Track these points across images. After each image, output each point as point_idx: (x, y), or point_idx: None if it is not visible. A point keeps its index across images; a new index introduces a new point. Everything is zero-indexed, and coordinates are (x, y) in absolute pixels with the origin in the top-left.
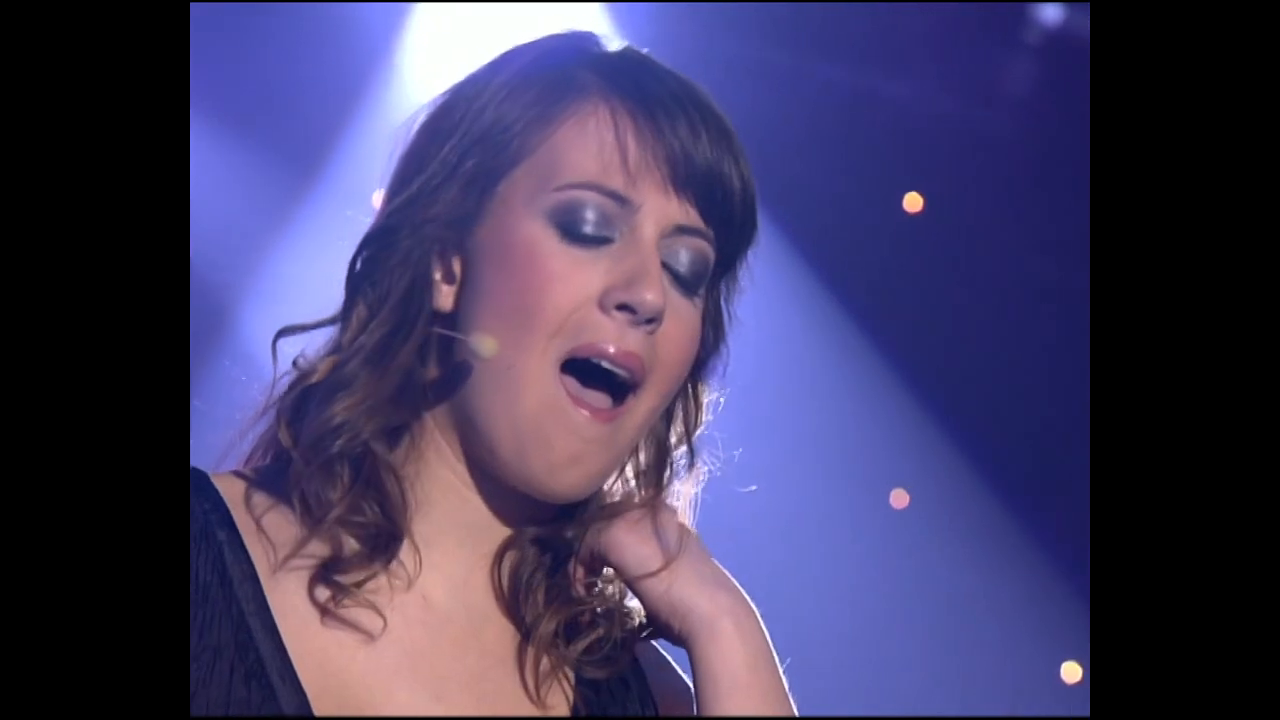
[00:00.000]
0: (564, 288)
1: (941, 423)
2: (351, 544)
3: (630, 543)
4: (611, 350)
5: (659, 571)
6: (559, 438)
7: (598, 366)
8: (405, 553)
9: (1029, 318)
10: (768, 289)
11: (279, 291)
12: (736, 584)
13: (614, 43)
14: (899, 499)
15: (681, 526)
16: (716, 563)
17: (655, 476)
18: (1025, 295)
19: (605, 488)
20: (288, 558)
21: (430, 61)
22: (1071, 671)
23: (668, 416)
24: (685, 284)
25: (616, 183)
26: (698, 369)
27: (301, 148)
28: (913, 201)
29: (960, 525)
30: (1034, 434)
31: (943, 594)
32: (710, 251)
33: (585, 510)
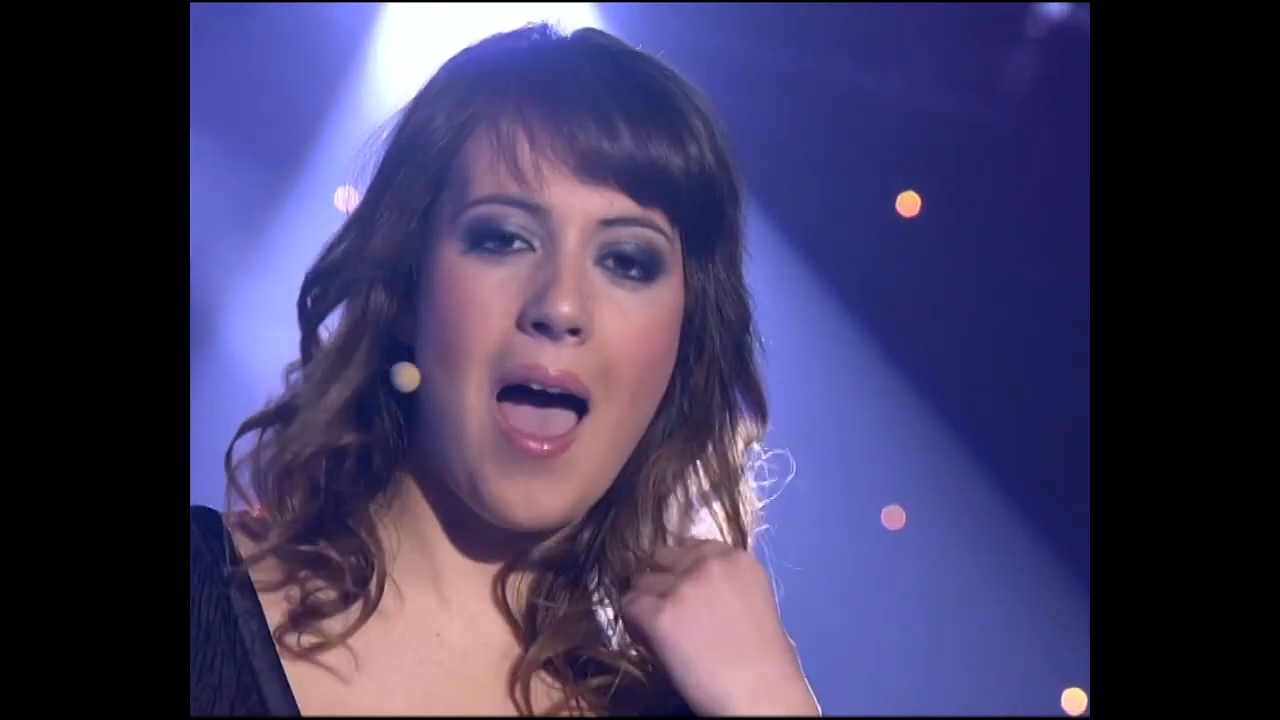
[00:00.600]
0: (484, 313)
1: (940, 434)
2: (344, 584)
3: (667, 636)
4: (540, 372)
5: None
6: (504, 476)
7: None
8: (414, 589)
9: (1032, 324)
10: (755, 294)
11: (257, 297)
12: (792, 674)
13: (554, 33)
14: (893, 518)
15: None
16: (778, 638)
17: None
18: (1028, 300)
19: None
20: (285, 593)
21: (405, 61)
22: (1074, 700)
23: (696, 426)
24: (637, 275)
25: (516, 189)
26: (702, 352)
27: (276, 150)
28: (909, 202)
29: (959, 543)
30: (1037, 446)
31: (940, 616)
32: (660, 235)
33: (603, 525)
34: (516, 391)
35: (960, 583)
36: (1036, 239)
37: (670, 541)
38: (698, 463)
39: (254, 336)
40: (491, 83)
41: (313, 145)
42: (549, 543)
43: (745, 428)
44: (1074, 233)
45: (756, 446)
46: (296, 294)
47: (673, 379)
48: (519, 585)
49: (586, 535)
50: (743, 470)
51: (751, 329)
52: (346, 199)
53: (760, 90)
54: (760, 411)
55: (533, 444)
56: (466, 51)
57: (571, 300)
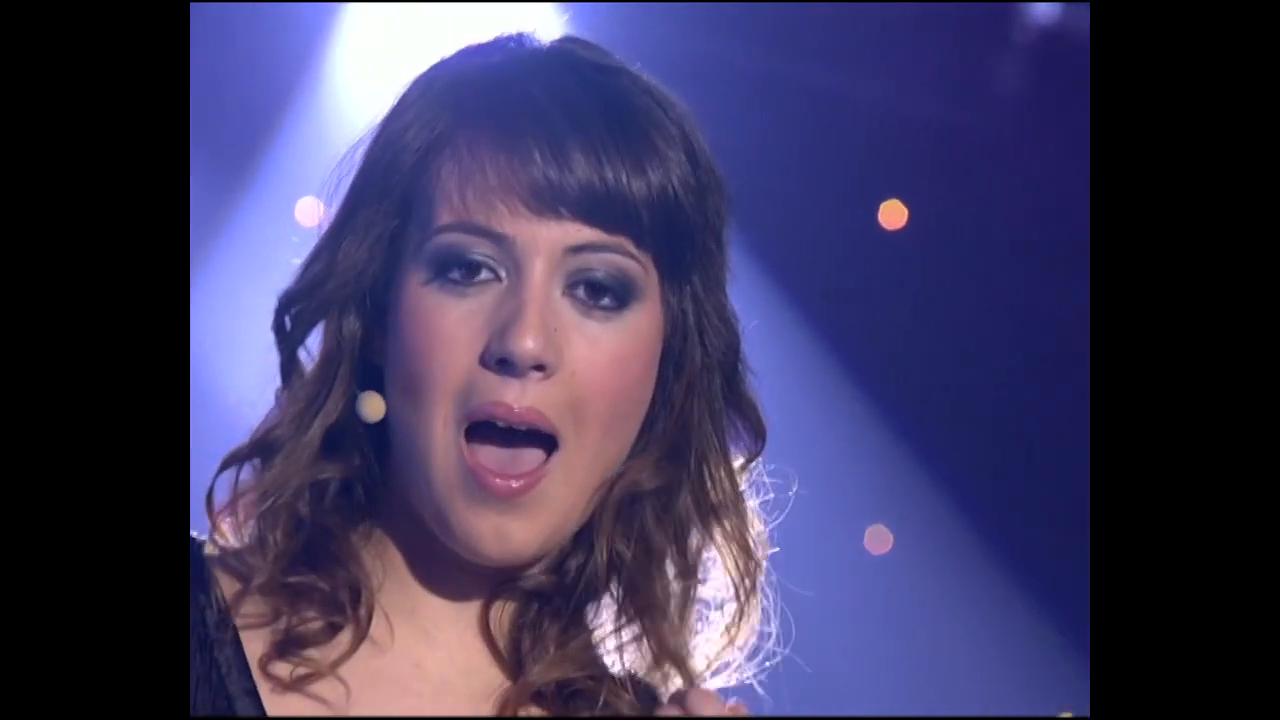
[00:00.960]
0: (449, 348)
1: (924, 456)
2: (331, 614)
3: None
4: (504, 409)
5: None
6: (473, 512)
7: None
8: (394, 620)
9: (1021, 339)
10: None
11: (206, 300)
12: None
13: (530, 44)
14: (878, 541)
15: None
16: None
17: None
18: (1017, 315)
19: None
20: (271, 627)
21: (365, 62)
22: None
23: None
24: (609, 304)
25: (479, 218)
26: (681, 373)
27: (231, 152)
28: (893, 213)
29: (946, 567)
30: (1028, 468)
31: (928, 641)
32: (632, 260)
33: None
34: (485, 427)
35: (944, 605)
36: (1026, 252)
37: (671, 566)
38: (693, 486)
39: (203, 339)
40: (457, 102)
41: (267, 149)
42: (531, 573)
43: (743, 448)
44: (1065, 246)
45: (753, 467)
46: (244, 295)
47: (654, 401)
48: (501, 616)
49: (574, 564)
50: (740, 493)
51: (738, 350)
52: (312, 212)
53: (731, 93)
54: (757, 432)
55: (499, 481)
56: (438, 65)
57: (536, 335)
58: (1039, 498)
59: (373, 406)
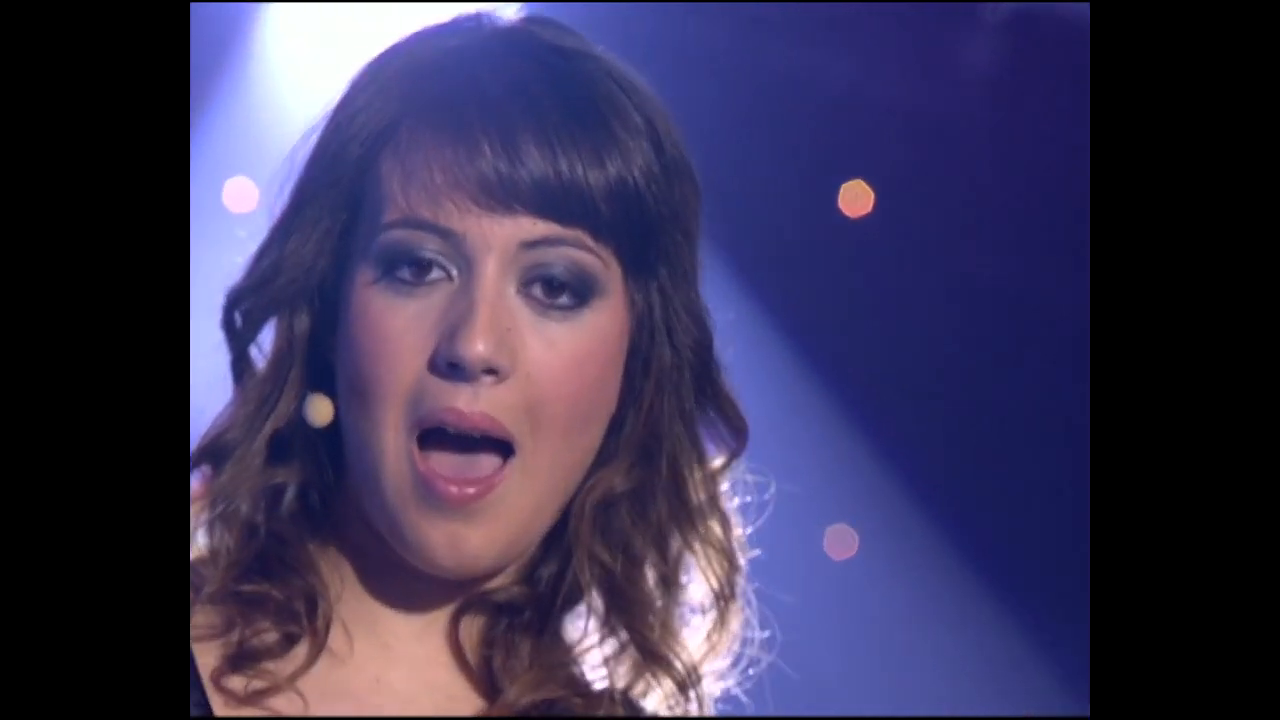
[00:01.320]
0: (397, 352)
1: (892, 458)
2: (287, 626)
3: None
4: (455, 415)
5: None
6: (425, 521)
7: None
8: (353, 632)
9: (997, 332)
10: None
11: None
12: None
13: (489, 25)
14: (839, 544)
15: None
16: None
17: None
18: (993, 306)
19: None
20: (224, 639)
21: (293, 43)
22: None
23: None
24: (567, 303)
25: (427, 214)
26: (649, 371)
27: None
28: (856, 198)
29: (921, 567)
30: (1007, 476)
31: (899, 651)
32: (589, 255)
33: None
34: (439, 433)
35: (915, 615)
36: (996, 240)
37: (653, 575)
38: (666, 488)
39: None
40: (407, 89)
41: (193, 128)
42: (501, 585)
43: (722, 446)
44: (1039, 233)
45: (732, 466)
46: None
47: (622, 401)
48: (469, 630)
49: (546, 574)
50: (718, 496)
51: (709, 346)
52: (242, 194)
53: (681, 70)
54: (737, 431)
55: (453, 488)
56: (391, 49)
57: (487, 338)
58: (1017, 495)
59: (319, 411)
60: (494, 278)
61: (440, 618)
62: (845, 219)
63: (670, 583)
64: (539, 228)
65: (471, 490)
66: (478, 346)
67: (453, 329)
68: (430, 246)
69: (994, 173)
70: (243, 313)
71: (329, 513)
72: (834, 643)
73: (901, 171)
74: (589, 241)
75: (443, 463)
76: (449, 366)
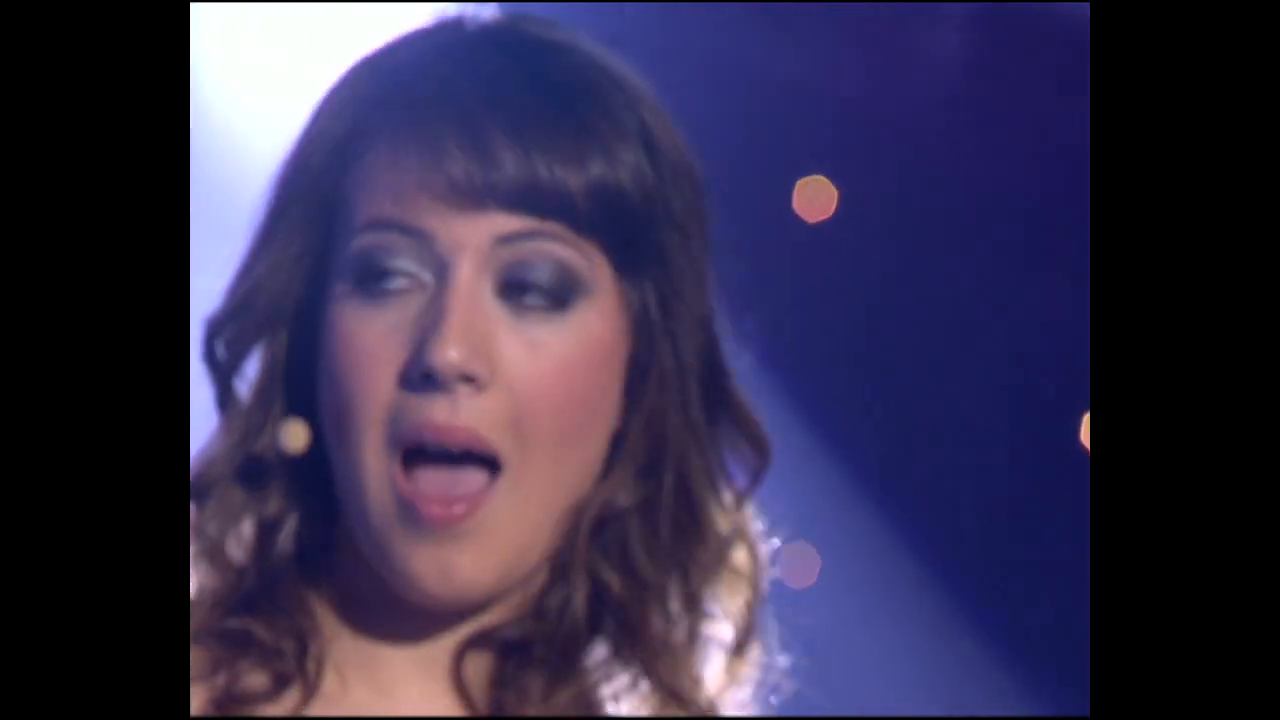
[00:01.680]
0: (370, 368)
1: (857, 472)
2: (277, 667)
3: None
4: (434, 431)
5: None
6: (410, 547)
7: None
8: (348, 674)
9: (969, 339)
10: None
11: None
12: None
13: (471, 26)
14: (798, 568)
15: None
16: None
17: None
18: (965, 313)
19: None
20: (209, 682)
21: (221, 57)
22: None
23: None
24: (549, 303)
25: (396, 213)
26: (648, 376)
27: None
28: (816, 195)
29: (916, 576)
30: (978, 493)
31: (900, 651)
32: (569, 249)
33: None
34: (422, 452)
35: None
36: (977, 244)
37: (671, 603)
38: (675, 504)
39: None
40: (380, 96)
41: None
42: (504, 618)
43: (743, 459)
44: (1011, 235)
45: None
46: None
47: (625, 411)
48: (476, 669)
49: (554, 604)
50: (738, 514)
51: (716, 352)
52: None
53: (633, 64)
54: (757, 444)
55: (437, 508)
56: (369, 56)
57: (459, 343)
58: (1017, 495)
59: (293, 437)
60: (468, 279)
61: (442, 656)
62: (806, 220)
63: (688, 610)
64: (513, 222)
65: (457, 510)
66: (449, 353)
67: (424, 337)
68: (401, 251)
69: (969, 172)
70: (226, 342)
71: (322, 547)
72: (834, 642)
73: (869, 170)
74: (568, 235)
75: (427, 482)
76: (423, 378)
